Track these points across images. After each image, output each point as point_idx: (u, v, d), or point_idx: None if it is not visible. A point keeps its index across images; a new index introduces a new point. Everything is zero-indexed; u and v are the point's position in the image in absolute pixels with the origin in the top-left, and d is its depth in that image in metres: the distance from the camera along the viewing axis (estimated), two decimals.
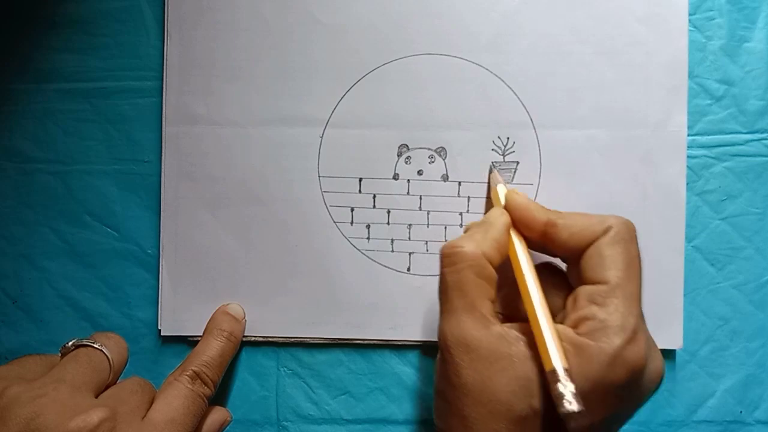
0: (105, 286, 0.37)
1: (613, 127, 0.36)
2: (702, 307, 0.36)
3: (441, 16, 0.36)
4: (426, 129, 0.36)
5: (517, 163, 0.36)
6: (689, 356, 0.36)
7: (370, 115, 0.36)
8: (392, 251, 0.36)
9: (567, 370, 0.25)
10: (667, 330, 0.36)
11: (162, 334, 0.37)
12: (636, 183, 0.36)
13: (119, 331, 0.37)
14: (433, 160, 0.36)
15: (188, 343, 0.37)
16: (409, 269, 0.36)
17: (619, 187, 0.36)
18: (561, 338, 0.27)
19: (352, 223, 0.36)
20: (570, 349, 0.26)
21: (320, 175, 0.36)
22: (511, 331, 0.28)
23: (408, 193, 0.36)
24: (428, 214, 0.36)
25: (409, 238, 0.36)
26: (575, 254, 0.29)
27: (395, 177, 0.36)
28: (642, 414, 0.36)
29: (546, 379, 0.26)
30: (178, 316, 0.36)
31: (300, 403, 0.37)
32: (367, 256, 0.36)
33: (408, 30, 0.36)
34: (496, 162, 0.36)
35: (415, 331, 0.36)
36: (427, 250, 0.36)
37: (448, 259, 0.29)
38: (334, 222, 0.36)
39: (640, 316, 0.28)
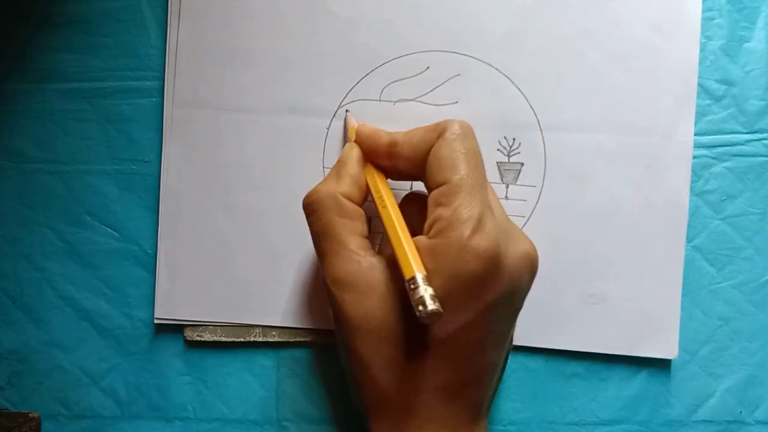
0: (105, 286, 0.37)
1: (621, 133, 0.36)
2: (702, 307, 0.36)
3: (454, 13, 0.36)
4: None
5: (522, 164, 0.36)
6: (689, 356, 0.36)
7: (378, 109, 0.36)
8: None
9: (424, 276, 0.26)
10: (662, 339, 0.36)
11: (156, 316, 0.36)
12: (639, 190, 0.36)
13: (119, 331, 0.37)
14: None
15: (187, 343, 0.37)
16: None
17: (622, 193, 0.36)
18: (418, 247, 0.27)
19: None
20: (425, 254, 0.27)
21: (325, 166, 0.36)
22: (382, 259, 0.29)
23: (411, 188, 0.36)
24: None
25: None
26: (420, 166, 0.30)
27: None
28: (642, 414, 0.36)
29: (407, 290, 0.26)
30: (173, 302, 0.36)
31: (300, 403, 0.37)
32: None
33: (420, 26, 0.36)
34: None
35: None
36: None
37: (308, 208, 0.30)
38: None
39: (486, 205, 0.28)
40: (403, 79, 0.36)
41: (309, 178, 0.36)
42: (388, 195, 0.30)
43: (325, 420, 0.36)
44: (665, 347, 0.36)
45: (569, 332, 0.36)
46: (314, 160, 0.36)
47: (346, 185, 0.31)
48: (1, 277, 0.37)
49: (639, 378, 0.36)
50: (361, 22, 0.36)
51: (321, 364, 0.37)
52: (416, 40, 0.36)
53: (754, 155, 0.37)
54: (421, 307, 0.25)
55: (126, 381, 0.37)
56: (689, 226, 0.36)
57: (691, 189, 0.36)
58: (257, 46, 0.36)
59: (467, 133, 0.30)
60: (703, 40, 0.36)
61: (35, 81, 0.37)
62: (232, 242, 0.36)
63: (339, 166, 0.32)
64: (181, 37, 0.36)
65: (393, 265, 0.28)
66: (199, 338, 0.36)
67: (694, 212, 0.36)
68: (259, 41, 0.36)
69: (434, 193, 0.29)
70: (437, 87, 0.36)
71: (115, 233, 0.37)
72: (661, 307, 0.36)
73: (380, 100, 0.36)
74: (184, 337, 0.37)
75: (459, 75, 0.36)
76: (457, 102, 0.36)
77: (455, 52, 0.36)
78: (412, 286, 0.26)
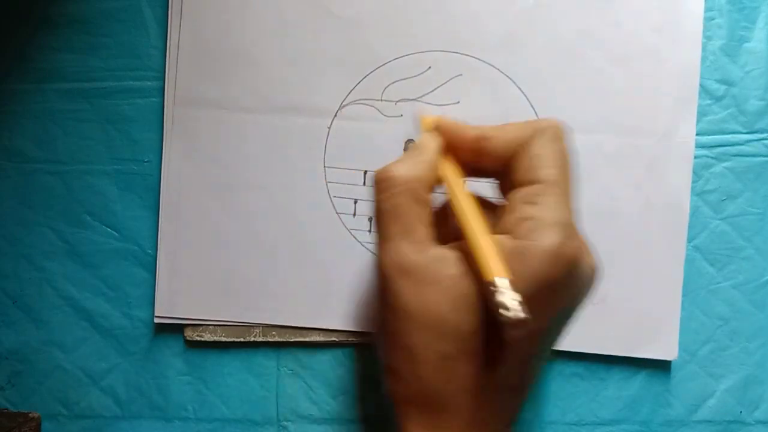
0: (105, 286, 0.37)
1: (621, 134, 0.36)
2: (702, 307, 0.36)
3: (455, 13, 0.36)
4: None
5: None
6: (689, 356, 0.36)
7: (379, 108, 0.36)
8: None
9: (510, 280, 0.24)
10: (662, 340, 0.36)
11: (156, 315, 0.36)
12: (639, 191, 0.36)
13: (119, 331, 0.37)
14: None
15: (187, 343, 0.37)
16: None
17: (622, 194, 0.36)
18: (498, 247, 0.26)
19: (354, 214, 0.36)
20: (509, 255, 0.25)
21: (326, 165, 0.36)
22: (448, 252, 0.27)
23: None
24: None
25: None
26: (507, 164, 0.28)
27: None
28: (642, 414, 0.36)
29: (486, 292, 0.25)
30: (173, 302, 0.36)
31: (300, 403, 0.37)
32: (368, 249, 0.36)
33: (421, 26, 0.36)
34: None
35: None
36: None
37: (382, 185, 0.28)
38: (337, 213, 0.36)
39: (574, 213, 0.27)
40: (404, 79, 0.36)
41: (309, 178, 0.36)
42: (466, 191, 0.29)
43: (325, 420, 0.37)
44: (665, 349, 0.36)
45: (569, 332, 0.36)
46: (314, 160, 0.36)
47: (423, 172, 0.28)
48: (1, 277, 0.37)
49: (639, 378, 0.36)
50: (362, 22, 0.36)
51: (321, 364, 0.37)
52: (417, 40, 0.36)
53: (754, 155, 0.37)
54: (505, 312, 0.24)
55: (126, 381, 0.37)
56: (689, 226, 0.36)
57: (692, 189, 0.36)
58: (257, 46, 0.36)
59: (563, 136, 0.28)
60: (703, 40, 0.36)
61: (35, 81, 0.37)
62: (232, 242, 0.36)
63: (416, 153, 0.29)
64: (181, 36, 0.36)
65: (463, 262, 0.27)
66: (199, 338, 0.36)
67: (694, 212, 0.36)
68: (259, 41, 0.36)
69: (524, 190, 0.27)
70: (439, 87, 0.36)
71: (115, 233, 0.37)
72: (661, 309, 0.36)
73: (381, 100, 0.36)
74: (184, 337, 0.36)
75: (460, 75, 0.36)
76: (458, 102, 0.36)
77: (457, 52, 0.36)
78: (493, 290, 0.24)
